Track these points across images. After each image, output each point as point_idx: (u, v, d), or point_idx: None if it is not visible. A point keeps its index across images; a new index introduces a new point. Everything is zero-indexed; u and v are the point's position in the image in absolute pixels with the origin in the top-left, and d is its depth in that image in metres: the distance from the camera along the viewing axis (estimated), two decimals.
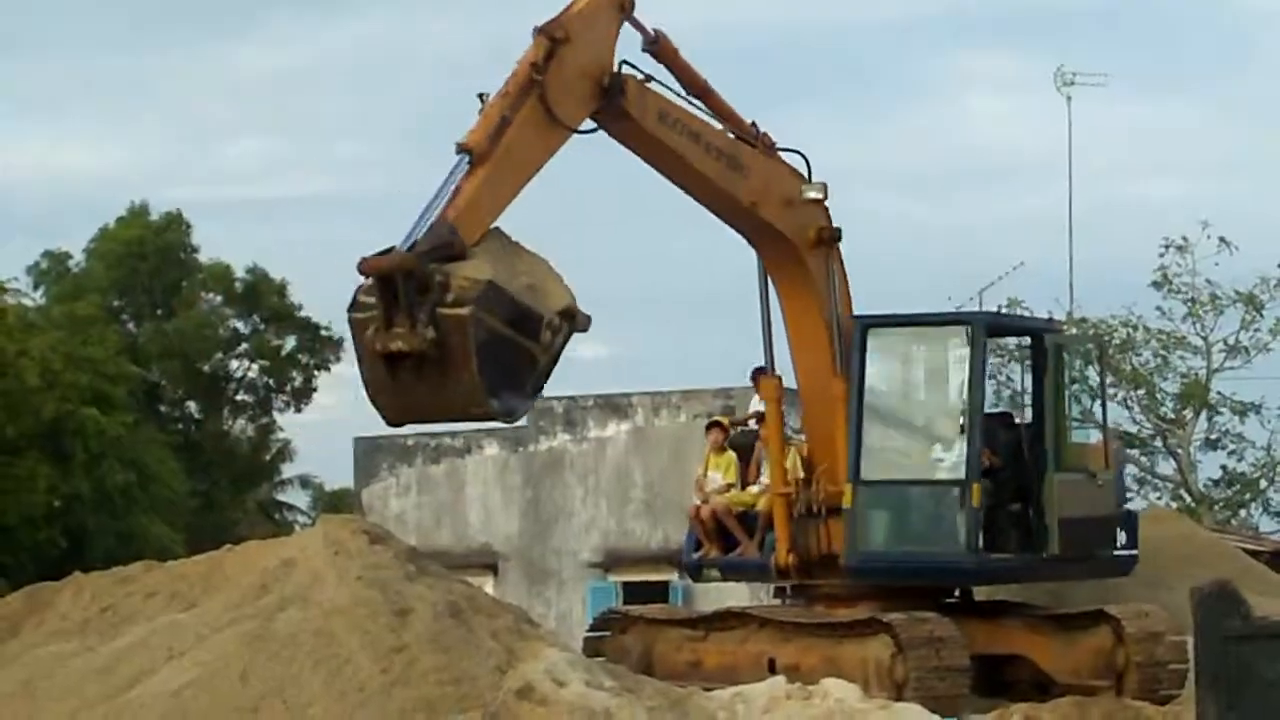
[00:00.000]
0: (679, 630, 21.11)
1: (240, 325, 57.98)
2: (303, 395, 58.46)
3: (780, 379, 20.58)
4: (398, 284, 15.15)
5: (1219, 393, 46.67)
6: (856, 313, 20.39)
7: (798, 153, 19.87)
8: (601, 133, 18.01)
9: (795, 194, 19.81)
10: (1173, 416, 46.92)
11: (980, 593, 21.39)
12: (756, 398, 22.03)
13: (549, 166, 17.08)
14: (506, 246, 16.09)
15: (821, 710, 15.86)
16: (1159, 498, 46.26)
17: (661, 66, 18.54)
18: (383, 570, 16.49)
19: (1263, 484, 47.43)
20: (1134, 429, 46.69)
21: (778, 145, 19.73)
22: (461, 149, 16.11)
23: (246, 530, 46.13)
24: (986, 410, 20.68)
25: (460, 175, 16.02)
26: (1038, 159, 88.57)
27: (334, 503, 55.05)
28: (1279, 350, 45.99)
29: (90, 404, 43.51)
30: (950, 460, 20.03)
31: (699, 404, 35.13)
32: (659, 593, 33.31)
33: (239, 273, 57.26)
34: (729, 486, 21.31)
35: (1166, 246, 46.34)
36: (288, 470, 60.51)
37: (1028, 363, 22.89)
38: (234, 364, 58.31)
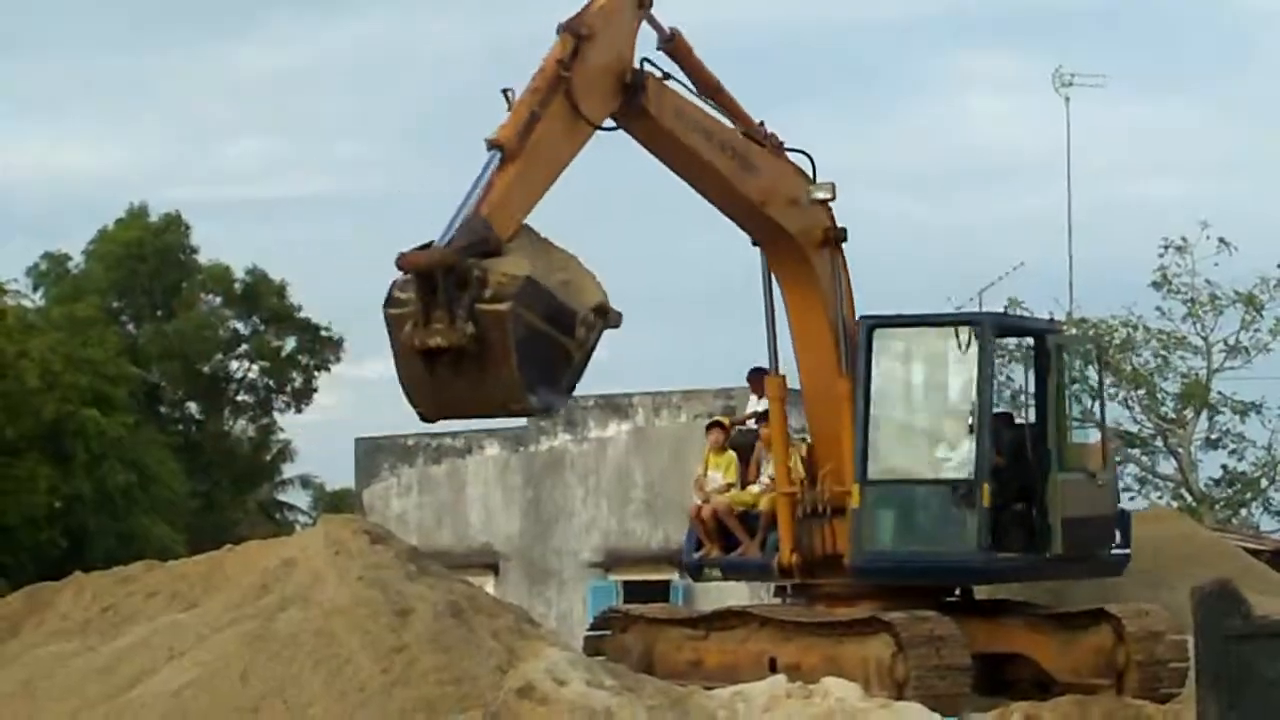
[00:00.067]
0: (680, 629, 21.10)
1: (240, 326, 58.03)
2: (303, 396, 58.52)
3: (784, 378, 20.58)
4: (437, 279, 15.02)
5: (1219, 392, 46.78)
6: (858, 313, 20.40)
7: (803, 153, 19.92)
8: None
9: (802, 194, 19.83)
10: (1173, 416, 46.95)
11: (980, 592, 21.40)
12: (754, 398, 22.06)
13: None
14: (538, 242, 16.02)
15: (822, 709, 15.87)
16: (1160, 497, 46.34)
17: (673, 64, 18.53)
18: (383, 570, 16.50)
19: (1263, 483, 47.48)
20: (1135, 429, 46.75)
21: (784, 145, 19.76)
22: (492, 145, 16.01)
23: (247, 530, 46.12)
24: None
25: (492, 171, 15.96)
26: (1037, 159, 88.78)
27: (335, 503, 55.09)
28: (1279, 350, 46.10)
29: (91, 405, 43.51)
30: (958, 460, 20.02)
31: (700, 404, 35.13)
32: (660, 592, 33.31)
33: (239, 274, 57.36)
34: (729, 486, 21.31)
35: (1166, 247, 46.42)
36: (288, 470, 60.65)
37: (1026, 362, 22.90)
38: (234, 365, 58.39)
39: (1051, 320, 26.54)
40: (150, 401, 54.81)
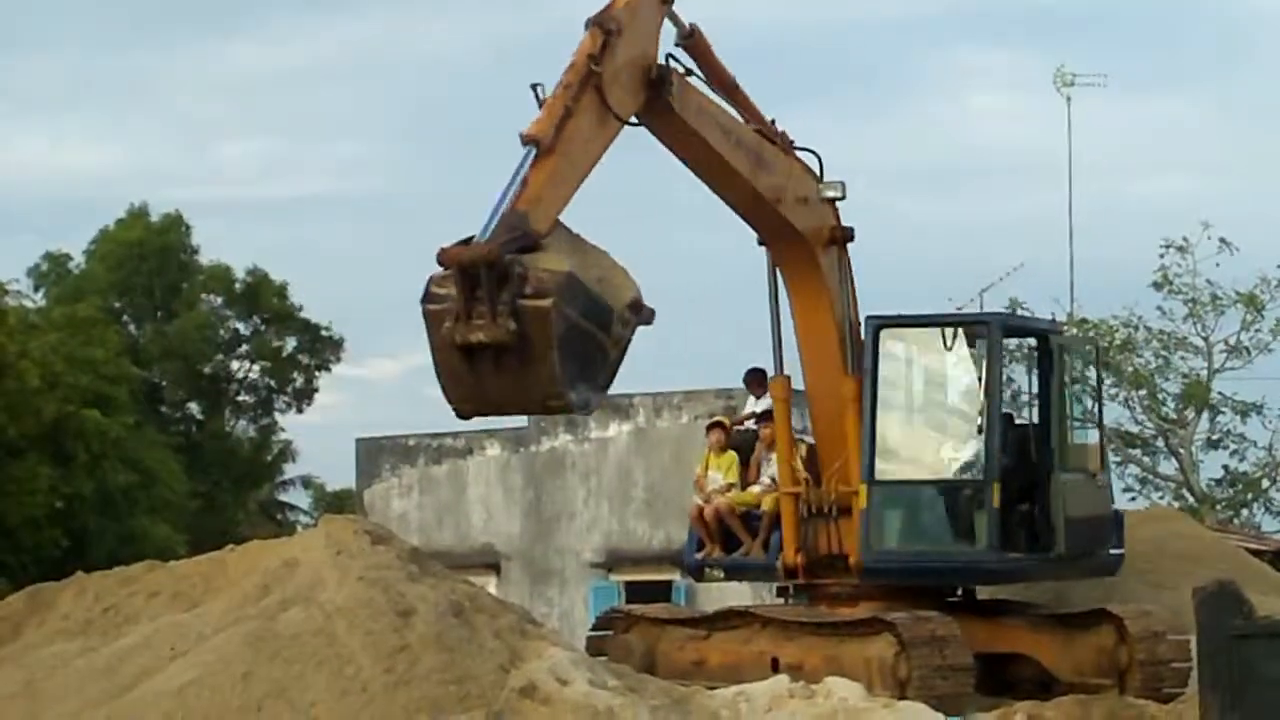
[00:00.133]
0: (682, 629, 21.09)
1: (241, 326, 58.06)
2: (304, 396, 58.55)
3: (789, 378, 20.58)
4: (479, 275, 14.96)
5: (1220, 393, 46.75)
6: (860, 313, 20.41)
7: (812, 151, 19.92)
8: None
9: (811, 192, 19.86)
10: (1174, 416, 46.93)
11: (982, 592, 21.39)
12: (752, 399, 22.05)
13: None
14: (573, 238, 15.95)
15: (825, 709, 15.90)
16: (1161, 497, 46.33)
17: (691, 61, 18.50)
18: (385, 570, 16.49)
19: (1264, 484, 47.45)
20: (1136, 429, 46.74)
21: (794, 144, 19.78)
22: (527, 140, 15.92)
23: (248, 531, 46.18)
24: None
25: (527, 166, 15.91)
26: (1038, 159, 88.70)
27: (336, 503, 55.14)
28: None
29: (91, 405, 43.52)
30: (966, 460, 20.04)
31: (700, 404, 35.11)
32: (661, 592, 33.29)
33: (239, 274, 57.38)
34: (730, 486, 21.30)
35: (1167, 247, 46.38)
36: (289, 471, 60.72)
37: (1027, 363, 22.90)
38: (235, 365, 58.41)
39: (1053, 321, 26.56)
40: (151, 402, 54.83)
